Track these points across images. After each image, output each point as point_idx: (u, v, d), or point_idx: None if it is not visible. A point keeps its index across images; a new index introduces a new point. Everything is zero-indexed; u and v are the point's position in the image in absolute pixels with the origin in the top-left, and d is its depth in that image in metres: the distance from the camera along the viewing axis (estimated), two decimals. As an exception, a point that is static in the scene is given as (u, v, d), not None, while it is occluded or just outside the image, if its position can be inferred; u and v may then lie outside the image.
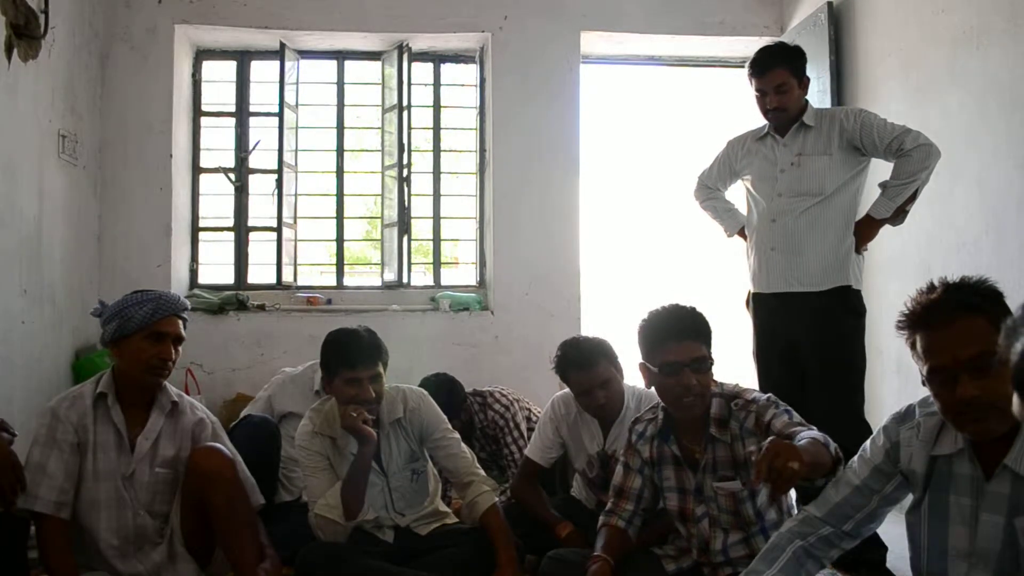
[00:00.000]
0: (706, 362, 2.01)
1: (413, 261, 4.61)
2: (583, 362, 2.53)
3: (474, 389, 3.46)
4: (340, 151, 4.72)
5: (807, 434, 1.76)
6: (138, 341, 2.16)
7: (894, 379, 3.53)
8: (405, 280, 4.53)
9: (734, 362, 3.51)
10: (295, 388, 3.15)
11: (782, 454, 1.53)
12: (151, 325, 2.16)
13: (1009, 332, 0.83)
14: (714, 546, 2.06)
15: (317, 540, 2.36)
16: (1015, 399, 0.83)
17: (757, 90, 2.86)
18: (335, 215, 4.71)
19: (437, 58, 4.75)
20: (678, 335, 1.99)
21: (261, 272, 4.59)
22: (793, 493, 2.24)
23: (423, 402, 2.51)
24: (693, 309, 2.06)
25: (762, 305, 2.95)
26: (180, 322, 2.23)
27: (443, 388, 3.16)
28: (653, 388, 2.08)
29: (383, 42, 4.59)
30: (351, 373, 2.31)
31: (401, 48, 4.52)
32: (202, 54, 4.61)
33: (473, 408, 3.37)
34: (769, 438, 1.65)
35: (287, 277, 4.47)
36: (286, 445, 2.95)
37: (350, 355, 2.32)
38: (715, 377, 2.07)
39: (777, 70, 2.79)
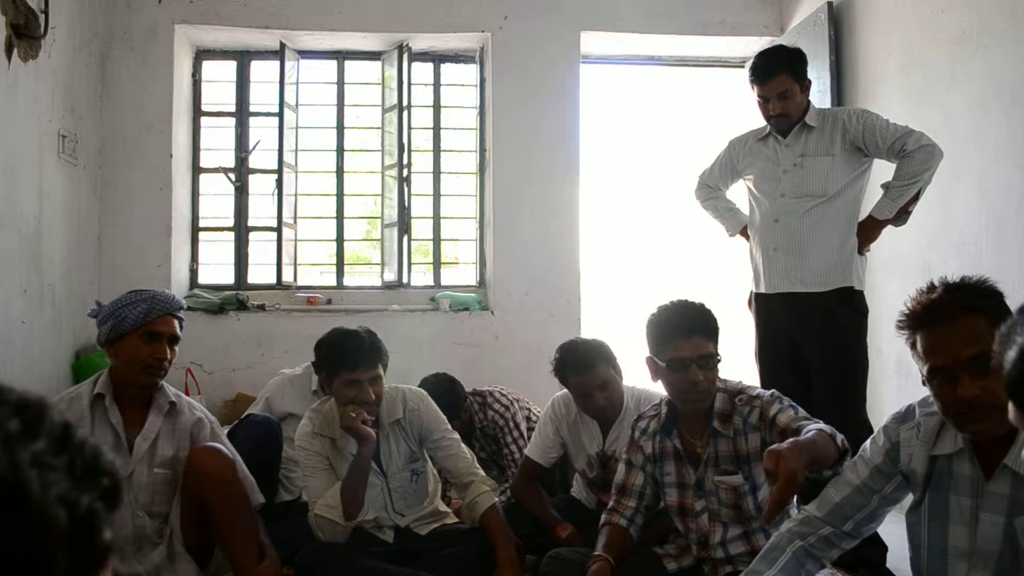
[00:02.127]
0: (713, 359, 2.01)
1: (413, 261, 4.60)
2: (581, 365, 2.53)
3: (474, 389, 3.45)
4: (340, 151, 4.72)
5: (813, 427, 1.76)
6: (133, 341, 2.15)
7: (894, 379, 3.53)
8: (405, 280, 4.52)
9: (735, 362, 3.51)
10: (293, 389, 3.15)
11: (790, 485, 1.52)
12: (145, 324, 2.15)
13: (1003, 339, 0.83)
14: (713, 540, 2.06)
15: (317, 540, 2.36)
16: (1010, 407, 0.82)
17: (760, 96, 2.85)
18: (335, 215, 4.70)
19: (437, 58, 4.75)
20: (687, 331, 1.99)
21: (261, 272, 4.58)
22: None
23: (423, 403, 2.51)
24: (702, 305, 2.06)
25: (765, 305, 2.95)
26: (175, 321, 2.22)
27: (443, 388, 3.16)
28: (659, 383, 2.09)
29: (383, 42, 4.59)
30: (351, 375, 2.30)
31: (401, 48, 4.52)
32: (202, 54, 4.61)
33: (473, 408, 3.36)
34: (775, 444, 1.62)
35: (287, 277, 4.47)
36: (286, 446, 2.96)
37: (350, 357, 2.31)
38: (720, 375, 2.08)
39: (779, 77, 2.79)
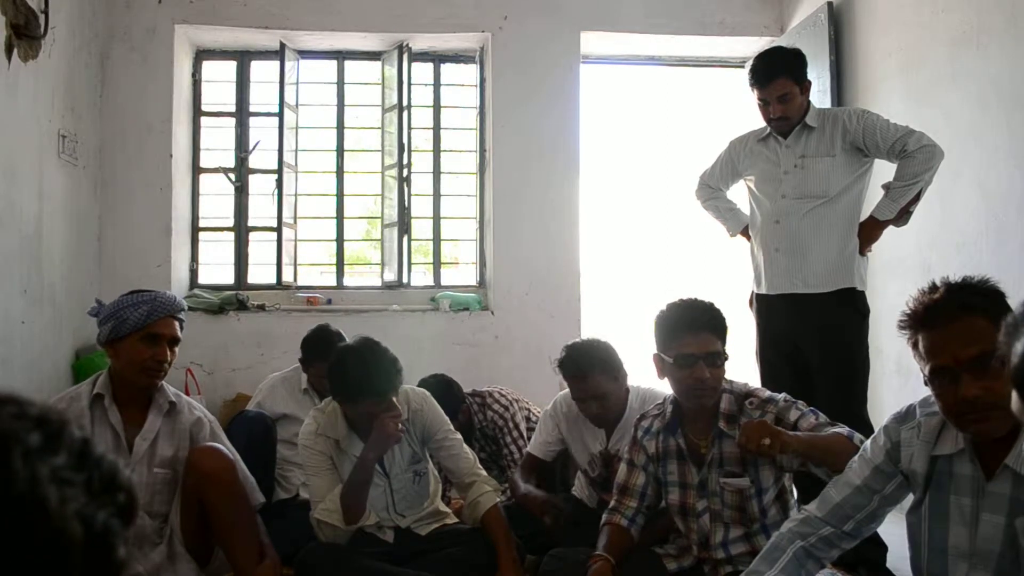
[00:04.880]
0: (720, 357, 2.01)
1: (413, 261, 4.60)
2: (576, 373, 2.56)
3: (473, 389, 3.45)
4: (340, 151, 4.72)
5: (833, 431, 1.78)
6: (133, 342, 2.15)
7: (894, 379, 3.53)
8: (405, 280, 4.52)
9: (735, 362, 3.50)
10: (284, 390, 3.18)
11: (753, 437, 1.73)
12: (146, 327, 2.14)
13: (1009, 331, 0.82)
14: (714, 540, 2.06)
15: (317, 540, 2.36)
16: (1015, 398, 0.82)
17: (759, 99, 2.85)
18: (335, 215, 4.70)
19: (437, 58, 4.75)
20: (695, 328, 1.99)
21: (261, 272, 4.58)
22: (795, 492, 2.24)
23: (426, 403, 2.51)
24: (711, 304, 2.06)
25: (766, 306, 2.95)
26: (176, 323, 2.22)
27: (441, 389, 3.15)
28: (665, 381, 2.09)
29: (383, 42, 4.59)
30: (372, 405, 2.26)
31: (401, 48, 4.52)
32: (202, 54, 4.61)
33: (472, 409, 3.36)
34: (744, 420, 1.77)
35: (287, 277, 4.47)
36: (282, 447, 2.96)
37: (375, 384, 2.25)
38: (726, 375, 2.08)
39: (779, 80, 2.78)
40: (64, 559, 0.41)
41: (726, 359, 2.03)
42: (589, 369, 2.53)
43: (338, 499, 2.32)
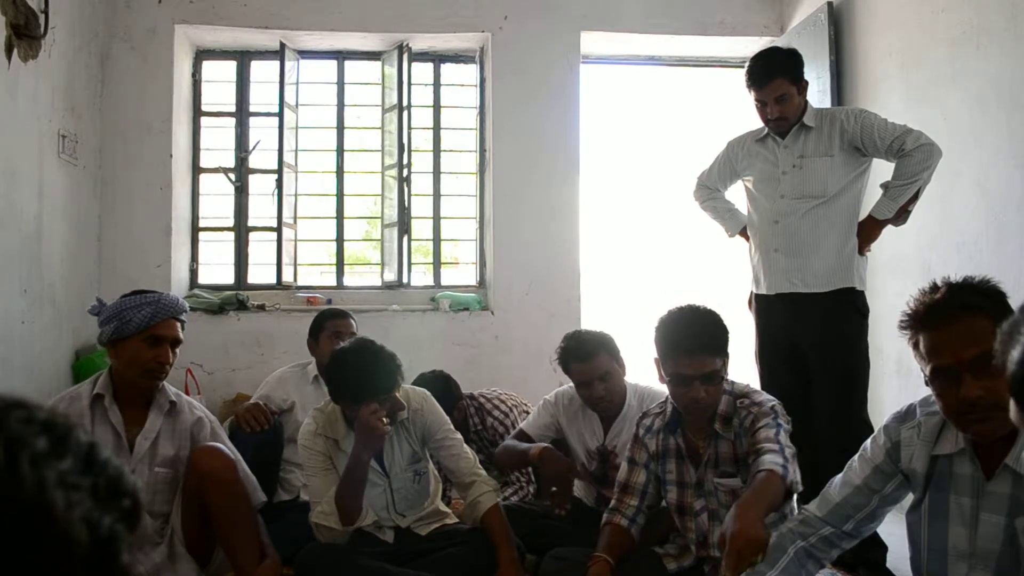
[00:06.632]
0: (718, 375, 2.00)
1: (413, 261, 4.60)
2: (583, 354, 2.56)
3: (471, 393, 3.44)
4: (340, 151, 4.72)
5: (769, 460, 1.78)
6: (135, 344, 2.15)
7: (894, 379, 3.53)
8: (405, 280, 4.52)
9: (735, 363, 3.50)
10: (291, 381, 3.17)
11: (744, 554, 1.57)
12: (149, 328, 2.14)
13: (1005, 338, 0.82)
14: (712, 539, 2.07)
15: (317, 541, 2.35)
16: (1012, 406, 0.82)
17: (757, 100, 2.85)
18: (335, 215, 4.71)
19: (437, 58, 4.75)
20: (690, 351, 1.96)
21: (261, 272, 4.58)
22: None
23: (426, 403, 2.50)
24: (712, 319, 2.02)
25: (765, 307, 2.95)
26: (179, 325, 2.22)
27: (438, 385, 3.15)
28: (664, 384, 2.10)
29: (383, 42, 4.59)
30: (384, 400, 2.26)
31: (401, 48, 4.52)
32: (202, 54, 4.61)
33: (469, 410, 3.36)
34: (730, 529, 1.63)
35: (287, 277, 4.47)
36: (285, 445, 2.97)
37: (377, 384, 2.24)
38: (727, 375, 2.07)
39: (776, 81, 2.77)
40: (69, 563, 0.42)
41: (725, 373, 2.03)
42: (595, 348, 2.56)
43: (334, 501, 2.32)
